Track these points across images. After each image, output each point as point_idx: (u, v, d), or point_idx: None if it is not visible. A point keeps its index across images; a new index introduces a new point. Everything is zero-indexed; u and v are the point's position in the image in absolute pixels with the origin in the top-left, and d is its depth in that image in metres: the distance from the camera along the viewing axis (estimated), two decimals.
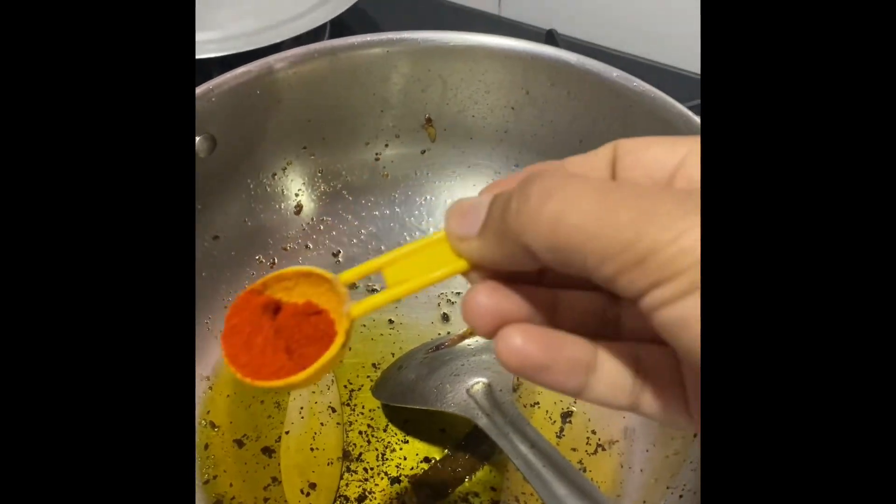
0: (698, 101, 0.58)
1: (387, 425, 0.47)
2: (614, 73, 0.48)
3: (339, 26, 0.73)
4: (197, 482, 0.44)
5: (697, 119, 0.46)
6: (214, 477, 0.44)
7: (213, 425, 0.47)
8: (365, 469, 0.45)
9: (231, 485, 0.44)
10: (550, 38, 0.70)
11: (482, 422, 0.41)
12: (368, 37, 0.51)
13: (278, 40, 0.66)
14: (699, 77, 0.77)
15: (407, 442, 0.46)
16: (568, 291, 0.24)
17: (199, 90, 0.48)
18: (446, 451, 0.45)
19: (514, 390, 0.47)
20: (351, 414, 0.47)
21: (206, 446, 0.46)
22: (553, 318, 0.24)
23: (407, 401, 0.45)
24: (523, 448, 0.39)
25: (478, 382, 0.43)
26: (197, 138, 0.48)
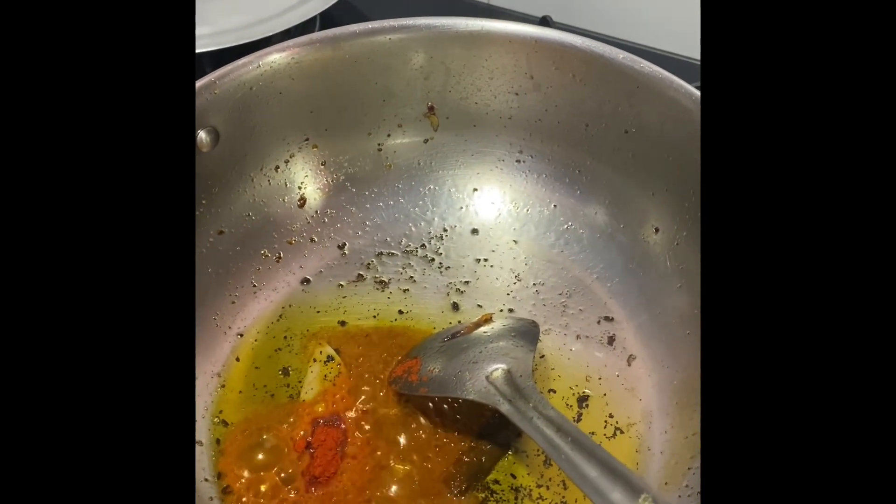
0: None
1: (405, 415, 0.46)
2: (620, 55, 0.48)
3: (329, 19, 0.73)
4: (210, 478, 0.43)
5: None
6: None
7: (224, 423, 0.46)
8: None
9: (243, 481, 0.43)
10: (545, 24, 0.70)
11: (504, 408, 0.41)
12: (371, 24, 0.51)
13: (269, 34, 0.66)
14: (693, 62, 0.76)
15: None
16: None
17: (201, 83, 0.47)
18: (469, 440, 0.45)
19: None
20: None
21: (218, 441, 0.45)
22: None
23: (425, 390, 0.44)
24: (549, 432, 0.38)
25: (497, 369, 0.43)
26: (200, 132, 0.47)
